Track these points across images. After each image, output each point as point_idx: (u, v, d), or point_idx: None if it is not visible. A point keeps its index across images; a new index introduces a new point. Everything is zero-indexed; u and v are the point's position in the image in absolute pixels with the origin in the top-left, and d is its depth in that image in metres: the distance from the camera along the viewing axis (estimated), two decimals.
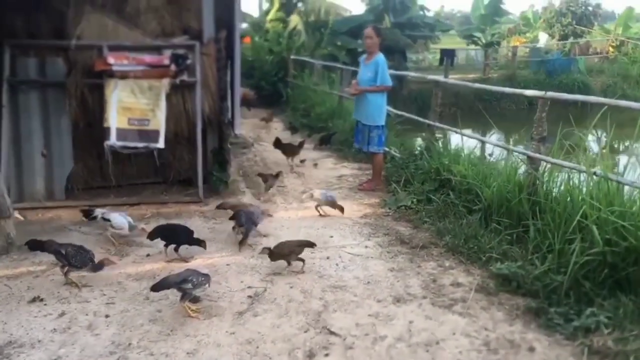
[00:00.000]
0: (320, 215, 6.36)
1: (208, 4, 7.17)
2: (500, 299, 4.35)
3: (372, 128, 7.35)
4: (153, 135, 6.84)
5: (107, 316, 4.04)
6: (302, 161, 9.10)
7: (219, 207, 6.26)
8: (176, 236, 5.22)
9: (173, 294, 4.33)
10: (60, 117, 6.88)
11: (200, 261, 5.02)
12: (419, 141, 10.04)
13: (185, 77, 6.98)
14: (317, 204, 6.38)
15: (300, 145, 9.18)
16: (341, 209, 6.31)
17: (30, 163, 6.82)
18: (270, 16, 18.44)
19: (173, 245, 5.12)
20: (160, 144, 6.85)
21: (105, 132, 6.73)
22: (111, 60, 6.73)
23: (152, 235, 5.25)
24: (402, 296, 4.38)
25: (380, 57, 7.20)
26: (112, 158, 6.91)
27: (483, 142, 7.33)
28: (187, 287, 4.06)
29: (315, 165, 9.04)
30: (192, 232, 5.23)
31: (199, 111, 7.03)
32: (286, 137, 10.75)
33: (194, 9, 7.18)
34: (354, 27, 19.37)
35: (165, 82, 6.87)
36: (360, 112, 7.46)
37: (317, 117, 12.21)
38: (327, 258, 5.13)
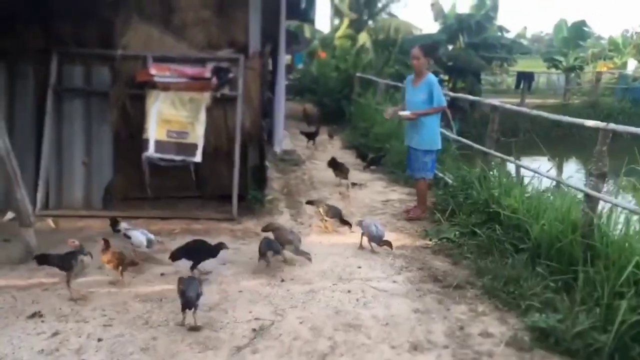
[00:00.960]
0: (362, 247, 5.89)
1: (255, 18, 7.01)
2: (533, 356, 3.82)
3: (426, 153, 6.85)
4: (191, 148, 6.70)
5: (99, 340, 3.82)
6: (354, 184, 8.73)
7: (263, 229, 5.91)
8: (198, 253, 5.02)
9: (174, 320, 4.09)
10: (102, 127, 6.87)
11: (213, 286, 4.75)
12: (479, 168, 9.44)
13: (226, 90, 6.82)
14: (366, 237, 5.81)
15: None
16: (389, 245, 5.76)
17: (71, 171, 6.83)
18: (339, 33, 18.26)
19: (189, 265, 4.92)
20: (197, 158, 6.70)
21: (143, 144, 6.65)
22: (153, 71, 6.67)
23: (174, 257, 5.04)
24: (421, 343, 3.93)
25: (432, 77, 6.76)
26: (150, 170, 6.82)
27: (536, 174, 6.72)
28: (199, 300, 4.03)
29: (361, 186, 8.64)
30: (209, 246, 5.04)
31: (239, 126, 6.83)
32: (340, 156, 10.52)
33: (241, 23, 7.02)
34: None
35: (207, 96, 6.73)
36: (413, 137, 6.89)
37: (375, 138, 11.82)
38: (348, 292, 4.73)
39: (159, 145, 6.65)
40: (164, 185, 7.17)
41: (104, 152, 6.91)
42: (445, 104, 6.82)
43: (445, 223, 6.48)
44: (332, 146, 12.15)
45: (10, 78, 6.72)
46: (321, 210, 6.42)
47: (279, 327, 4.09)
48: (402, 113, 6.92)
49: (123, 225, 5.37)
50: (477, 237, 5.89)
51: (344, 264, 5.35)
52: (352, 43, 17.79)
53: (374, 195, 8.26)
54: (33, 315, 4.10)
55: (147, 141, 6.64)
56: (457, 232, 6.11)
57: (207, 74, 6.71)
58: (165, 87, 6.70)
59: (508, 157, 6.93)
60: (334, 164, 9.05)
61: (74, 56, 6.85)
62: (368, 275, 5.10)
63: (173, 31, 6.98)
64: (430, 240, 6.14)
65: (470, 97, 9.50)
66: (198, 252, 5.01)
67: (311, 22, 21.26)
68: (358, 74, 15.79)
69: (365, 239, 5.83)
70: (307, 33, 18.93)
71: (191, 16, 7.02)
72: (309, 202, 6.95)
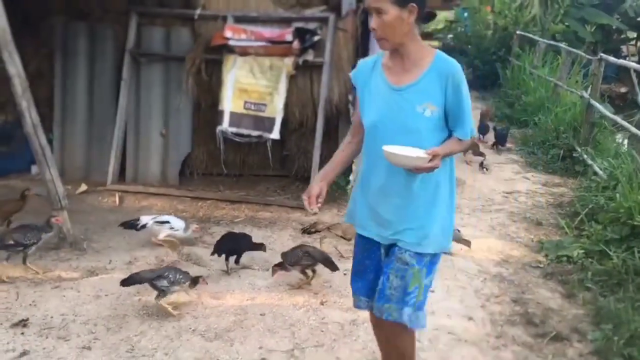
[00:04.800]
0: None
1: None
2: None
3: (424, 259, 2.49)
4: (268, 123, 5.86)
5: None
6: (482, 165, 7.28)
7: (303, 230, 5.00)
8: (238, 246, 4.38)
9: (165, 349, 3.31)
10: (180, 95, 6.25)
11: (234, 300, 3.89)
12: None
13: (310, 56, 5.81)
14: None
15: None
16: (467, 243, 4.66)
17: (147, 143, 6.35)
18: None
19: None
20: (275, 135, 5.85)
21: (218, 116, 5.94)
22: (228, 33, 5.85)
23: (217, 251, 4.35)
24: None
25: (449, 61, 2.38)
26: (232, 145, 6.11)
27: None
28: (162, 285, 3.59)
29: (486, 170, 7.18)
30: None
31: (323, 99, 5.82)
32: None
33: None
34: None
35: (288, 62, 5.80)
36: (396, 220, 2.47)
37: (522, 109, 10.06)
38: None
39: (235, 118, 5.90)
40: (247, 162, 6.46)
41: (183, 123, 6.31)
42: (475, 133, 2.91)
43: (572, 234, 4.98)
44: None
45: (90, 41, 6.34)
46: None
47: None
48: (396, 152, 2.31)
49: (145, 218, 4.66)
50: (609, 259, 4.37)
51: None
52: None
53: (498, 183, 6.82)
54: (18, 323, 3.55)
55: (222, 113, 5.91)
56: (582, 250, 4.61)
57: (288, 37, 5.75)
58: (244, 52, 5.86)
59: None
60: None
61: (154, 17, 6.28)
62: (437, 305, 3.89)
63: None
64: (546, 256, 4.71)
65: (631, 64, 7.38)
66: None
67: None
68: (518, 32, 13.72)
69: None
70: None
71: None
72: None
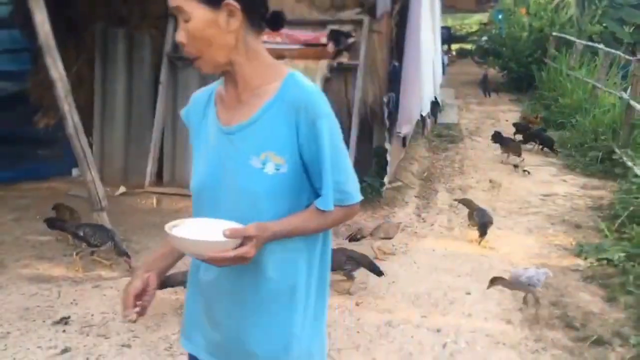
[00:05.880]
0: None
1: None
2: None
3: None
4: None
5: None
6: (517, 166, 7.25)
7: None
8: None
9: None
10: None
11: None
12: None
13: (345, 59, 5.83)
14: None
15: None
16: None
17: (184, 145, 6.40)
18: None
19: None
20: None
21: None
22: (264, 37, 5.89)
23: None
24: None
25: (301, 86, 1.52)
26: None
27: None
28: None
29: (525, 172, 7.09)
30: None
31: (357, 101, 5.83)
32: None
33: None
34: None
35: (323, 65, 5.81)
36: (227, 328, 1.60)
37: (559, 111, 9.90)
38: (437, 331, 3.57)
39: None
40: None
41: None
42: (357, 198, 1.55)
43: (612, 237, 4.88)
44: (507, 120, 10.45)
45: (128, 47, 6.46)
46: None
47: None
48: (176, 233, 1.43)
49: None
50: None
51: (450, 286, 4.16)
52: None
53: (535, 185, 6.72)
54: (60, 321, 3.65)
55: None
56: (623, 253, 4.51)
57: (322, 39, 5.78)
58: (279, 55, 5.89)
59: None
60: (500, 139, 7.75)
61: None
62: (475, 308, 3.87)
63: None
64: (585, 259, 4.63)
65: None
66: None
67: None
68: (554, 34, 13.51)
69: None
70: None
71: None
72: (461, 201, 5.46)
